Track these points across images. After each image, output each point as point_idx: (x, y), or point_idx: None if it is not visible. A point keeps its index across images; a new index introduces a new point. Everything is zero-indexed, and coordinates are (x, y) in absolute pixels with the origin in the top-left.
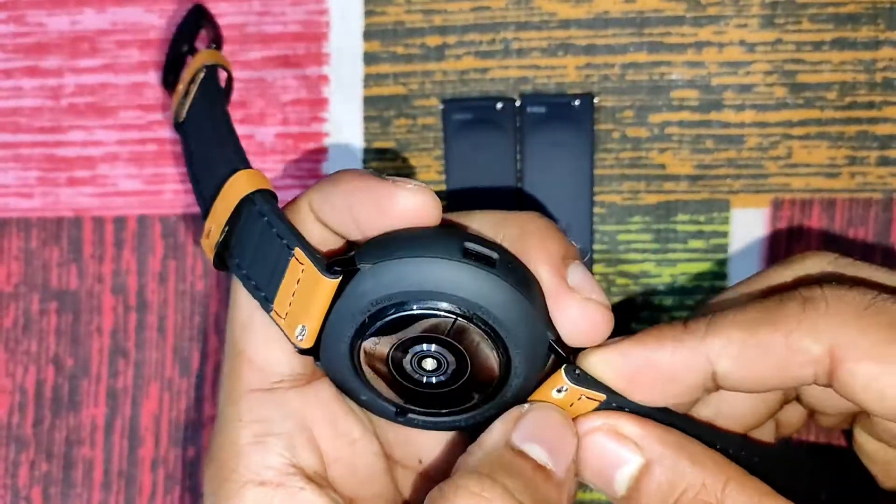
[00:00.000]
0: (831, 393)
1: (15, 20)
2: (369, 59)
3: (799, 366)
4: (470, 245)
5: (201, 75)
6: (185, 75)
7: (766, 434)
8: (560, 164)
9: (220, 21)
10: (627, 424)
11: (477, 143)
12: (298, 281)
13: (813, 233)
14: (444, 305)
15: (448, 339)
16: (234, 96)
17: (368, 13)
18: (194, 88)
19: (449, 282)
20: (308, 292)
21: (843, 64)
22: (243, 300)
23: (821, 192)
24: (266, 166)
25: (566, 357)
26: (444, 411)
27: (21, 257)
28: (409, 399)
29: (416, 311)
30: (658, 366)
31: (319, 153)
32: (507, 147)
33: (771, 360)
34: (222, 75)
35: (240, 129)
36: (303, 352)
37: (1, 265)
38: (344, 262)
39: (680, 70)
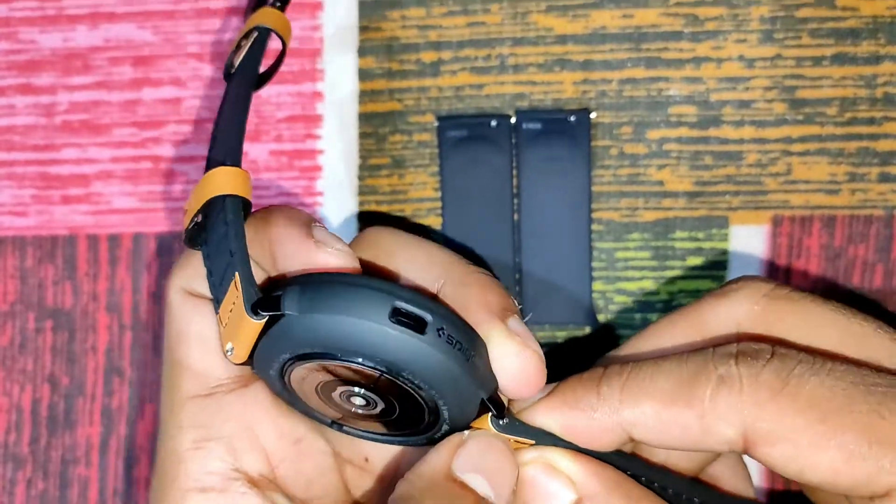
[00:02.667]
0: None
1: (7, 37)
2: (364, 75)
3: (713, 444)
4: (401, 305)
5: (254, 35)
6: (245, 26)
7: (732, 460)
8: (557, 180)
9: (214, 38)
10: (562, 459)
11: (472, 160)
12: (234, 303)
13: (813, 250)
14: (370, 363)
15: (374, 388)
16: None
17: (363, 29)
18: (247, 45)
19: (376, 344)
20: (238, 320)
21: (844, 79)
22: (177, 309)
23: (821, 208)
24: (260, 183)
25: (497, 413)
26: (378, 432)
27: (17, 275)
28: (343, 417)
29: (341, 363)
30: (575, 429)
31: (314, 170)
32: (503, 164)
33: (685, 436)
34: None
35: None
36: (236, 363)
37: None
38: (270, 304)
39: (678, 86)
